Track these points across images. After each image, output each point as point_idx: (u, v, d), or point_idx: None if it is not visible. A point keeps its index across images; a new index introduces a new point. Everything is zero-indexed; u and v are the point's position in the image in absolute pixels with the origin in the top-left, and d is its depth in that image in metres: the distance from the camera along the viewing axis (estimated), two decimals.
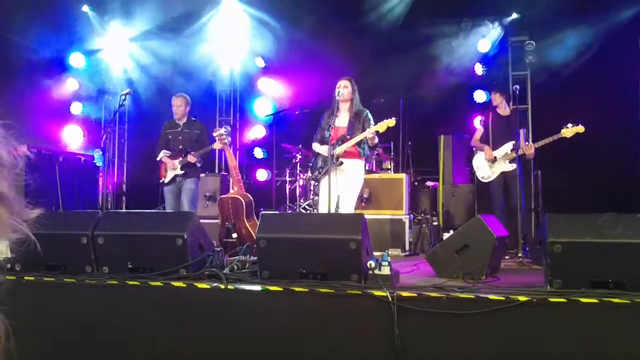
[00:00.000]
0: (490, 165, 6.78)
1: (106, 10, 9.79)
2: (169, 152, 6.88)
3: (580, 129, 6.10)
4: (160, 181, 6.91)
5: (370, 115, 5.80)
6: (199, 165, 6.81)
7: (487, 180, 6.82)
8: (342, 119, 5.77)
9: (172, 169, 6.79)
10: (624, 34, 8.06)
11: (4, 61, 8.46)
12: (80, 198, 7.72)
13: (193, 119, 7.05)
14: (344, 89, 5.76)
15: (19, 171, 0.83)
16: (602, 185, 7.72)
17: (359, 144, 5.66)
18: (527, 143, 6.59)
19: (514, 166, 6.57)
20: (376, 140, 5.71)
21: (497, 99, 6.95)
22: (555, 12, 8.23)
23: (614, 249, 3.27)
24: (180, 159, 6.75)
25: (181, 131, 6.93)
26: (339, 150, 5.59)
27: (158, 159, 6.94)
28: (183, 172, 6.74)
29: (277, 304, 3.59)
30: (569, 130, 6.13)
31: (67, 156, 7.87)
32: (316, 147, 5.94)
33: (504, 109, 6.97)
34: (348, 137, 5.66)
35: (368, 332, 3.40)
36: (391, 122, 5.52)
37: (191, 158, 6.69)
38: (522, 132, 6.78)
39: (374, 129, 5.54)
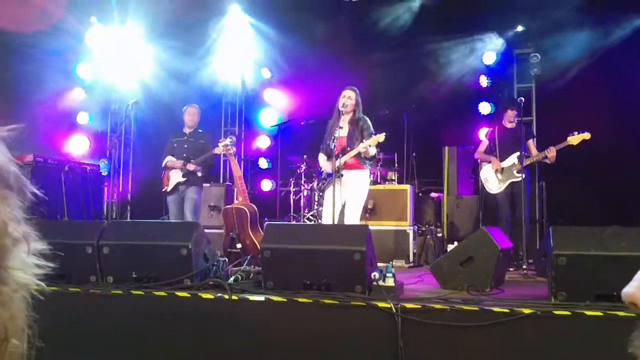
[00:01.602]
0: (498, 176, 6.78)
1: (113, 22, 9.87)
2: (174, 157, 6.95)
3: (587, 135, 6.11)
4: (163, 190, 6.95)
5: (369, 123, 5.76)
6: (199, 174, 6.84)
7: (495, 192, 6.81)
8: (344, 130, 5.74)
9: (174, 175, 6.83)
10: (630, 44, 8.06)
11: (11, 71, 8.53)
12: (86, 207, 7.74)
13: (200, 130, 7.14)
14: (348, 100, 5.72)
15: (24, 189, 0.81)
16: (608, 198, 7.69)
17: (357, 154, 5.65)
18: (549, 148, 6.50)
19: (522, 176, 6.57)
20: (371, 153, 5.66)
21: (513, 115, 6.94)
22: (560, 24, 8.24)
23: (619, 261, 3.26)
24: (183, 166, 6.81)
25: (187, 140, 7.01)
26: (338, 163, 5.58)
27: (163, 164, 7.01)
28: (185, 179, 6.78)
29: (281, 315, 3.59)
30: (575, 138, 6.13)
31: (73, 165, 7.90)
32: (320, 159, 5.96)
33: (510, 122, 6.98)
34: (348, 148, 5.66)
35: (372, 343, 3.39)
36: (381, 137, 5.51)
37: (190, 166, 6.73)
38: (532, 142, 6.81)
39: (365, 144, 5.51)
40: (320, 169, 6.07)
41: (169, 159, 6.97)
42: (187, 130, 7.09)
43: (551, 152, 6.38)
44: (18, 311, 0.75)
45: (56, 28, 8.78)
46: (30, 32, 8.19)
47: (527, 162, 6.54)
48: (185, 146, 6.97)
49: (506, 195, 6.73)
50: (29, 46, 8.61)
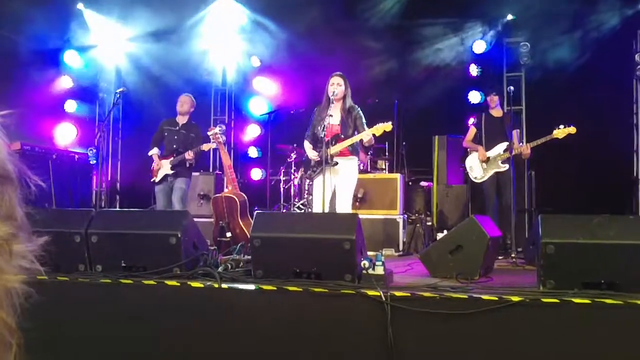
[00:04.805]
0: (483, 165, 6.80)
1: (101, 7, 9.76)
2: (158, 151, 6.92)
3: (572, 130, 6.16)
4: (152, 180, 6.91)
5: (361, 113, 5.72)
6: (188, 165, 6.78)
7: (479, 181, 6.85)
8: (334, 117, 5.68)
9: (162, 166, 6.79)
10: (618, 36, 8.09)
11: None
12: (74, 196, 7.69)
13: (192, 122, 7.08)
14: (337, 87, 5.66)
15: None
16: (596, 187, 7.75)
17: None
18: (521, 144, 6.63)
19: (506, 167, 6.61)
20: (373, 141, 5.67)
21: (495, 101, 6.98)
22: (550, 14, 8.25)
23: (607, 250, 3.29)
24: (172, 158, 6.76)
25: (178, 131, 6.94)
26: (333, 150, 5.54)
27: (149, 154, 6.97)
28: (173, 171, 6.74)
29: (271, 303, 3.59)
30: (561, 131, 6.18)
31: (60, 154, 7.84)
32: (307, 148, 5.89)
33: (496, 110, 7.00)
34: (342, 136, 5.61)
35: (362, 331, 3.40)
36: (387, 126, 5.44)
37: (189, 154, 6.66)
38: (515, 133, 6.81)
39: (370, 132, 5.47)
40: (305, 156, 6.00)
41: (155, 152, 6.96)
42: (179, 120, 7.02)
43: (525, 150, 6.46)
44: None
45: (43, 14, 8.66)
46: (13, 17, 8.08)
47: (507, 155, 6.58)
48: (176, 137, 6.92)
49: (492, 184, 6.76)
50: (14, 32, 8.50)
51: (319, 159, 5.53)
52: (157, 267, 3.92)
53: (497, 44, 9.07)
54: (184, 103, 7.01)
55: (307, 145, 5.88)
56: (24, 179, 0.75)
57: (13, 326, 0.74)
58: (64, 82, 9.94)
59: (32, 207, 0.83)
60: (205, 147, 6.63)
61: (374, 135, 5.55)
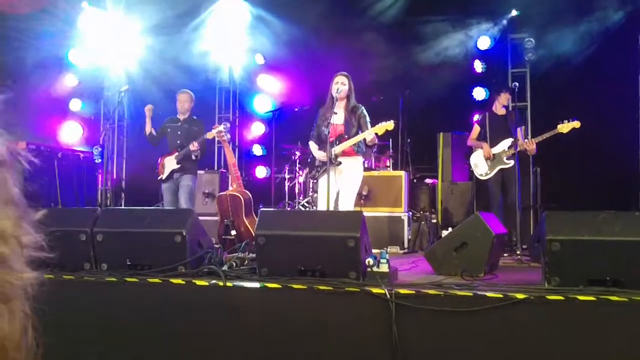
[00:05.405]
0: (488, 162, 6.79)
1: (105, 6, 9.77)
2: (153, 128, 6.97)
3: (576, 124, 6.13)
4: (158, 178, 6.93)
5: (365, 112, 5.71)
6: (194, 157, 6.75)
7: (485, 178, 6.83)
8: (338, 116, 5.67)
9: (169, 162, 6.80)
10: (624, 31, 8.05)
11: (2, 57, 8.44)
12: (79, 195, 7.73)
13: (194, 117, 7.08)
14: (342, 85, 5.64)
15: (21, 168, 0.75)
16: (601, 183, 7.72)
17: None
18: (526, 140, 6.61)
19: (511, 163, 6.59)
20: (376, 140, 5.67)
21: (508, 98, 6.93)
22: (555, 10, 8.22)
23: (612, 246, 3.28)
24: (177, 153, 6.76)
25: (180, 126, 6.96)
26: (337, 150, 5.54)
27: (146, 130, 7.02)
28: (179, 166, 6.74)
29: (276, 301, 3.59)
30: (565, 126, 6.16)
31: (66, 153, 7.88)
32: (313, 148, 5.89)
33: (500, 108, 6.98)
34: (346, 136, 5.61)
35: (366, 329, 3.40)
36: (389, 125, 5.45)
37: (193, 145, 6.63)
38: (520, 130, 6.79)
39: (372, 131, 5.47)
40: (311, 156, 6.01)
41: (150, 128, 7.00)
42: (180, 117, 7.04)
43: (530, 145, 6.43)
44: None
45: (47, 12, 8.68)
46: (21, 15, 8.09)
47: (512, 151, 6.56)
48: (179, 132, 6.93)
49: (496, 181, 6.75)
50: (19, 31, 8.52)
51: (325, 158, 5.53)
52: (162, 265, 3.93)
53: (502, 40, 9.04)
54: (184, 101, 7.00)
55: (313, 146, 5.88)
56: (19, 160, 0.74)
57: (28, 312, 0.76)
58: (69, 81, 9.96)
59: (42, 210, 0.84)
60: (209, 135, 6.61)
61: (376, 134, 5.55)
